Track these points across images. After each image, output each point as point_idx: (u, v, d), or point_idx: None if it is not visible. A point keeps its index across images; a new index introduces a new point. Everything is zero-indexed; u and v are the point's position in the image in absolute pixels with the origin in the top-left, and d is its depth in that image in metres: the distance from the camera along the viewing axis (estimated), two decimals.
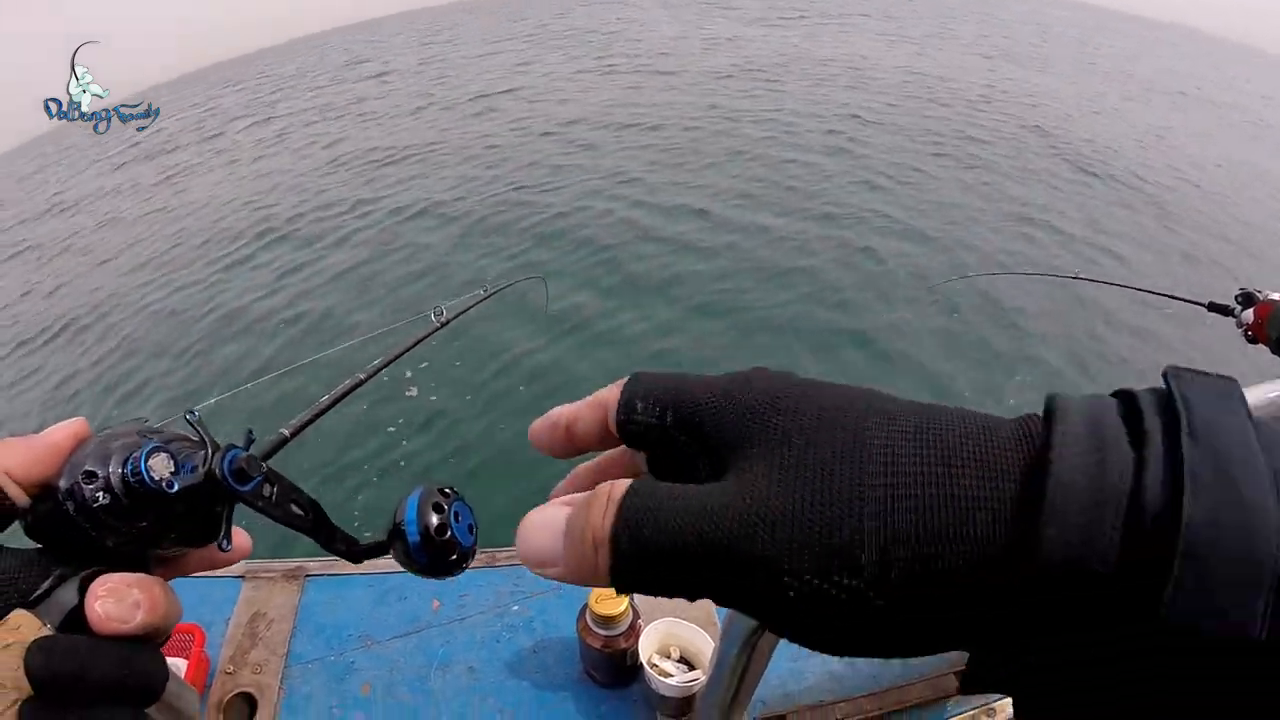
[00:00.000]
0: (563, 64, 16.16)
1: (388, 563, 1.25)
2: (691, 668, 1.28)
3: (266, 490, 0.36)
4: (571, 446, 0.34)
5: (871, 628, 0.25)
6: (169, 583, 0.36)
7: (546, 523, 0.29)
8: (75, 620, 0.32)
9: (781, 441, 0.27)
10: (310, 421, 0.86)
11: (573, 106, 11.95)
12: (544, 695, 1.33)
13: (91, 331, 6.65)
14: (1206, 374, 0.26)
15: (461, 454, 4.22)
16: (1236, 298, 1.98)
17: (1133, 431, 0.24)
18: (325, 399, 0.93)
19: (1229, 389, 0.26)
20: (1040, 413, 0.26)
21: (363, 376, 1.11)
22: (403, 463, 4.13)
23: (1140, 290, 2.66)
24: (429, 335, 1.54)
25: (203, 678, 1.31)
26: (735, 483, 0.27)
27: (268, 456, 0.50)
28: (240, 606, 1.47)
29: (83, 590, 0.32)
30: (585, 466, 0.37)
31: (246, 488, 0.35)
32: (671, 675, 1.24)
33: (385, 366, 1.21)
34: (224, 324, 6.00)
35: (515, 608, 1.47)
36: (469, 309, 1.81)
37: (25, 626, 0.30)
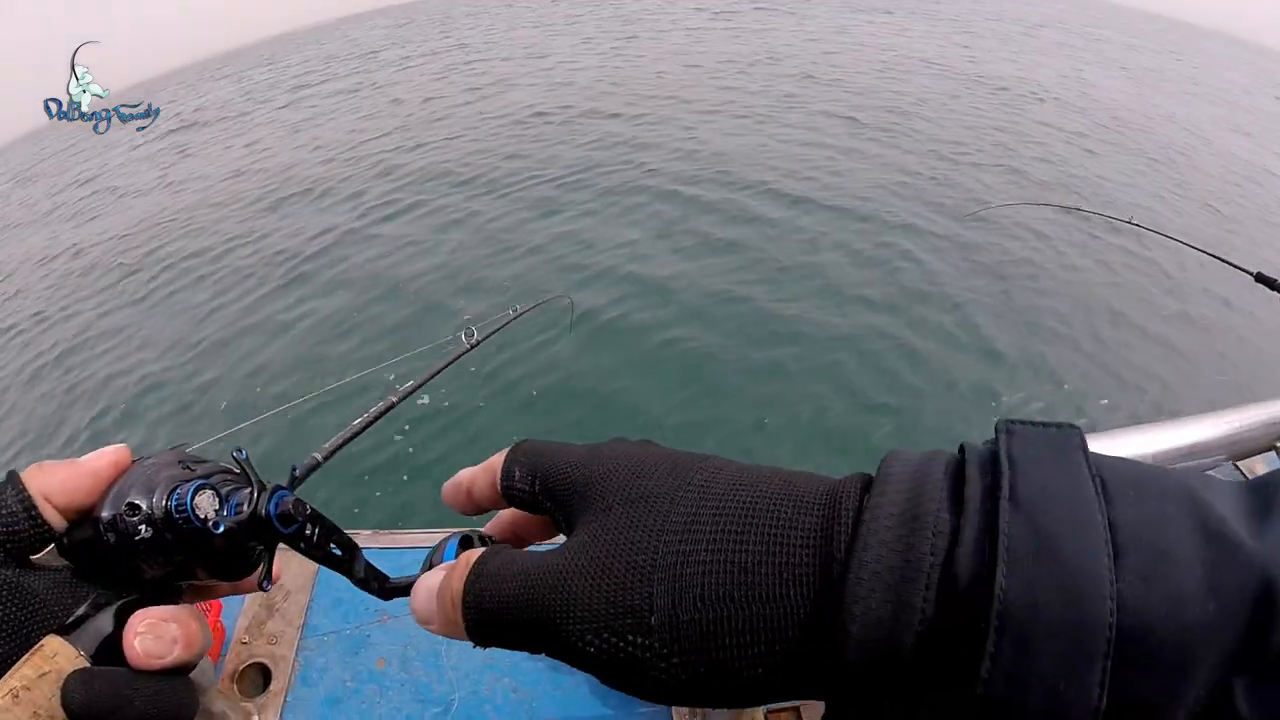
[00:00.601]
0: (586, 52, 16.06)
1: (407, 538, 1.22)
2: None
3: (309, 530, 0.36)
4: (473, 506, 0.37)
5: (677, 681, 0.26)
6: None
7: (428, 586, 0.32)
8: (110, 648, 0.31)
9: (604, 511, 0.30)
10: (343, 445, 0.85)
11: (594, 90, 11.88)
12: (558, 677, 1.31)
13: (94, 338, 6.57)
14: (1043, 426, 0.25)
15: (468, 460, 4.10)
16: None
17: (956, 496, 0.24)
18: (358, 422, 0.92)
19: (1065, 440, 0.25)
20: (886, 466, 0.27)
21: (395, 400, 1.10)
22: (405, 476, 4.07)
23: (1191, 247, 2.57)
24: (460, 356, 1.53)
25: (218, 647, 1.31)
26: (560, 549, 0.30)
27: (301, 480, 0.51)
28: None
29: (119, 619, 0.32)
30: (506, 512, 0.40)
31: (290, 530, 0.35)
32: None
33: (417, 389, 1.20)
34: (257, 333, 5.88)
35: None
36: (499, 329, 1.81)
37: (61, 655, 0.29)
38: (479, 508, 0.37)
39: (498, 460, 0.36)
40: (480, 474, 0.36)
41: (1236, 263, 2.21)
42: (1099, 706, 0.20)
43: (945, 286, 5.53)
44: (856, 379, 4.55)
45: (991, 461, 0.24)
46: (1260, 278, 2.04)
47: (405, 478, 4.04)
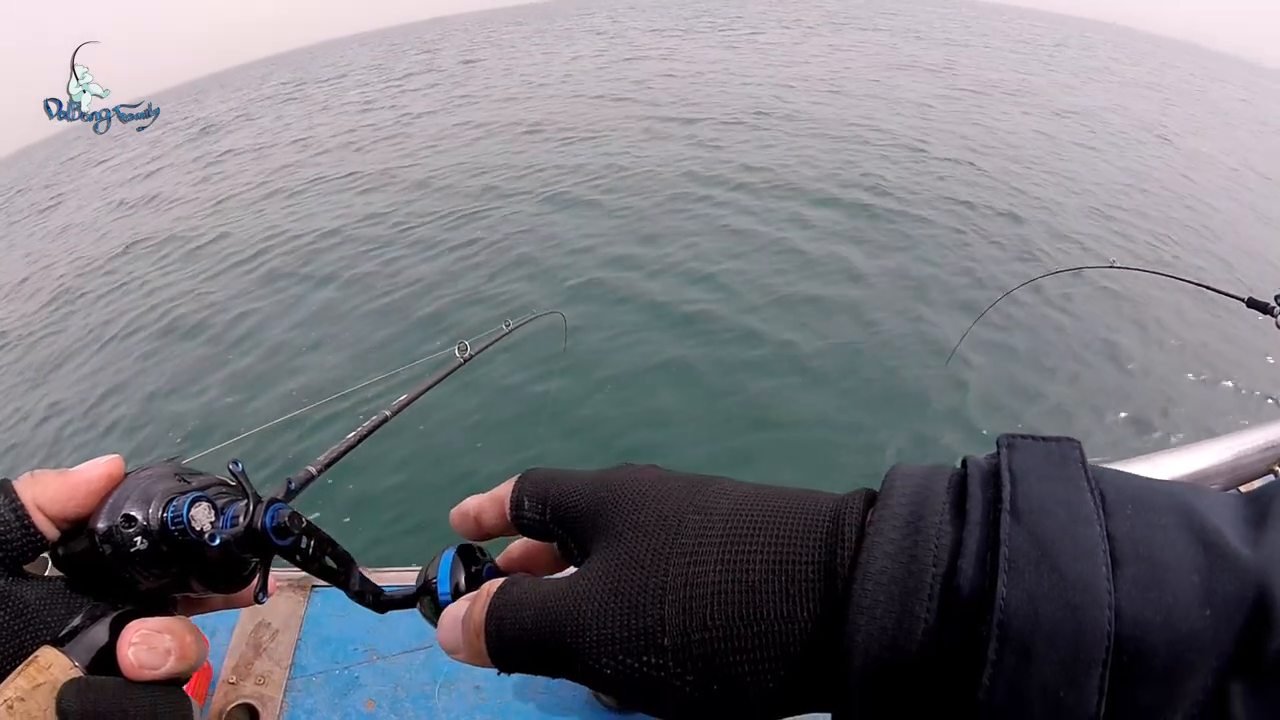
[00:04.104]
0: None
1: (396, 576, 1.20)
2: None
3: (304, 543, 0.36)
4: (482, 534, 0.38)
5: (691, 699, 0.27)
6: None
7: (453, 616, 0.33)
8: (105, 659, 0.31)
9: (616, 538, 0.31)
10: (337, 458, 0.85)
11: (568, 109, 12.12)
12: (551, 718, 1.27)
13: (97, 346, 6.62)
14: (1044, 440, 0.26)
15: (450, 476, 4.08)
16: (1276, 297, 1.95)
17: (958, 509, 0.24)
18: (352, 436, 0.92)
19: (1065, 454, 0.25)
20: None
21: (389, 414, 1.10)
22: (380, 493, 3.97)
23: (1180, 280, 2.60)
24: (454, 370, 1.53)
25: (204, 687, 1.28)
26: (575, 576, 0.31)
27: (296, 494, 0.51)
28: (244, 614, 1.44)
29: (114, 630, 0.32)
30: (516, 545, 0.41)
31: (286, 542, 0.35)
32: None
33: (411, 403, 1.20)
34: (249, 347, 5.86)
35: None
36: (493, 343, 1.82)
37: (56, 666, 0.30)
38: (488, 535, 0.38)
39: (505, 489, 0.36)
40: (488, 503, 0.37)
41: (1227, 290, 2.24)
42: (1097, 714, 0.20)
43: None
44: (870, 403, 4.50)
45: (993, 475, 0.25)
46: (1251, 302, 2.06)
47: (397, 503, 3.98)
